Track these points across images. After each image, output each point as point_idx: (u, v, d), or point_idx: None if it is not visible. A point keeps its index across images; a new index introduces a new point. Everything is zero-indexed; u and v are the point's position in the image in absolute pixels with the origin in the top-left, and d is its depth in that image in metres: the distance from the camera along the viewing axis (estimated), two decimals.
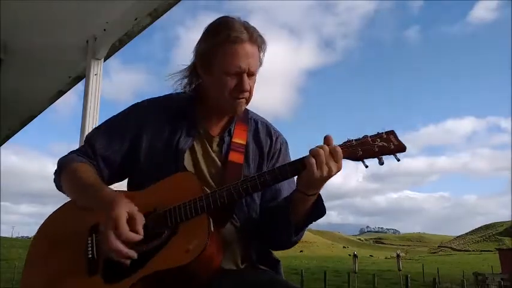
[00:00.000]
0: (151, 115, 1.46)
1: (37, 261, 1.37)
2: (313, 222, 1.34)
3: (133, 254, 1.14)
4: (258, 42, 1.38)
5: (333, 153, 1.19)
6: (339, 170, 1.19)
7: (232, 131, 1.47)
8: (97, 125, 1.59)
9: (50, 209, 1.49)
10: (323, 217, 1.33)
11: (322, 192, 1.28)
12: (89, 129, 3.00)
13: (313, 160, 1.17)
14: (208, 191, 1.27)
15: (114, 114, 1.52)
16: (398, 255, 25.35)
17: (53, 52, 3.54)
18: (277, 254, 1.49)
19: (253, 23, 1.39)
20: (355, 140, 1.24)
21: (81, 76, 3.80)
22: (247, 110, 1.53)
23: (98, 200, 1.24)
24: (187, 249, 1.15)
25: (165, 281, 1.18)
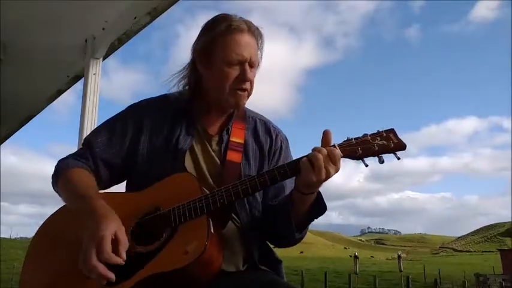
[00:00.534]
0: (150, 115, 1.45)
1: (36, 261, 1.35)
2: (314, 223, 1.33)
3: (111, 275, 1.09)
4: (256, 34, 1.39)
5: (330, 156, 1.18)
6: (337, 171, 1.19)
7: (230, 130, 1.45)
8: (96, 125, 1.58)
9: (49, 210, 1.49)
10: (323, 217, 1.33)
11: (322, 192, 1.28)
12: (87, 128, 2.98)
13: (311, 164, 1.17)
14: (208, 192, 1.26)
15: (113, 113, 1.51)
16: (399, 256, 25.31)
17: (51, 51, 3.55)
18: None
19: (252, 21, 1.39)
20: (355, 138, 1.23)
21: (80, 75, 3.79)
22: (245, 109, 1.52)
23: (88, 212, 1.20)
24: (185, 251, 1.13)
25: (163, 284, 1.16)
